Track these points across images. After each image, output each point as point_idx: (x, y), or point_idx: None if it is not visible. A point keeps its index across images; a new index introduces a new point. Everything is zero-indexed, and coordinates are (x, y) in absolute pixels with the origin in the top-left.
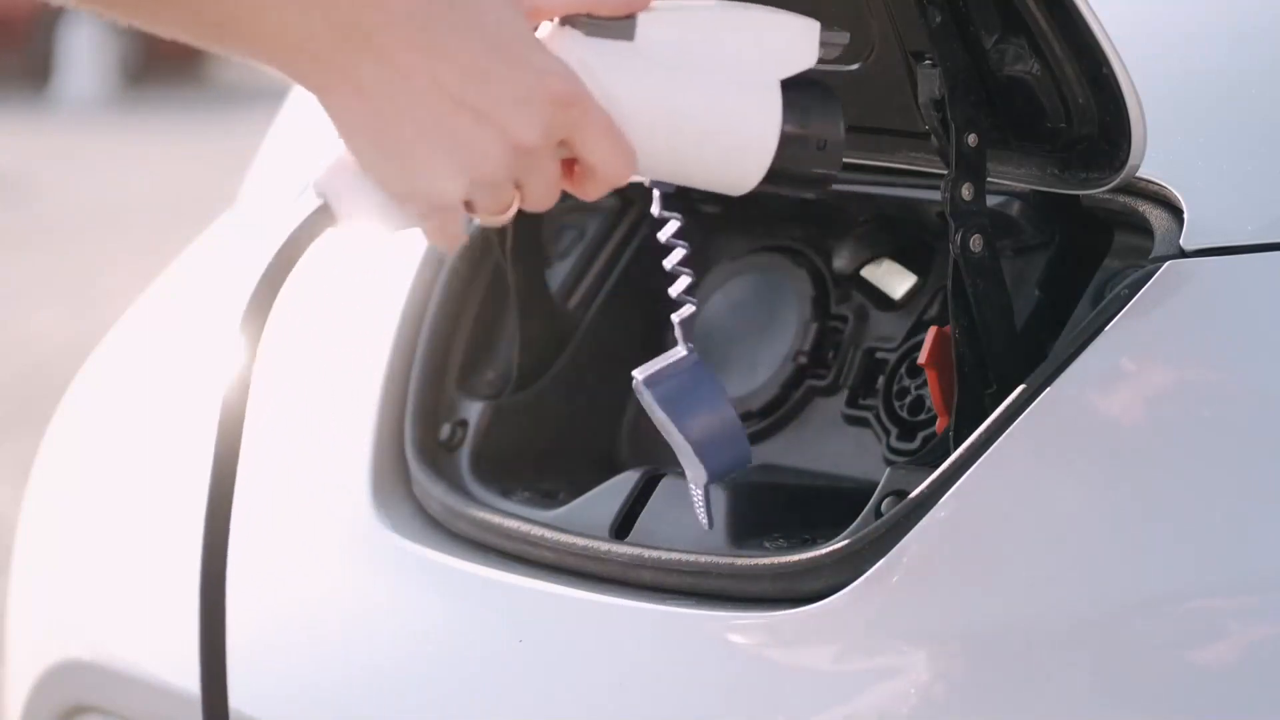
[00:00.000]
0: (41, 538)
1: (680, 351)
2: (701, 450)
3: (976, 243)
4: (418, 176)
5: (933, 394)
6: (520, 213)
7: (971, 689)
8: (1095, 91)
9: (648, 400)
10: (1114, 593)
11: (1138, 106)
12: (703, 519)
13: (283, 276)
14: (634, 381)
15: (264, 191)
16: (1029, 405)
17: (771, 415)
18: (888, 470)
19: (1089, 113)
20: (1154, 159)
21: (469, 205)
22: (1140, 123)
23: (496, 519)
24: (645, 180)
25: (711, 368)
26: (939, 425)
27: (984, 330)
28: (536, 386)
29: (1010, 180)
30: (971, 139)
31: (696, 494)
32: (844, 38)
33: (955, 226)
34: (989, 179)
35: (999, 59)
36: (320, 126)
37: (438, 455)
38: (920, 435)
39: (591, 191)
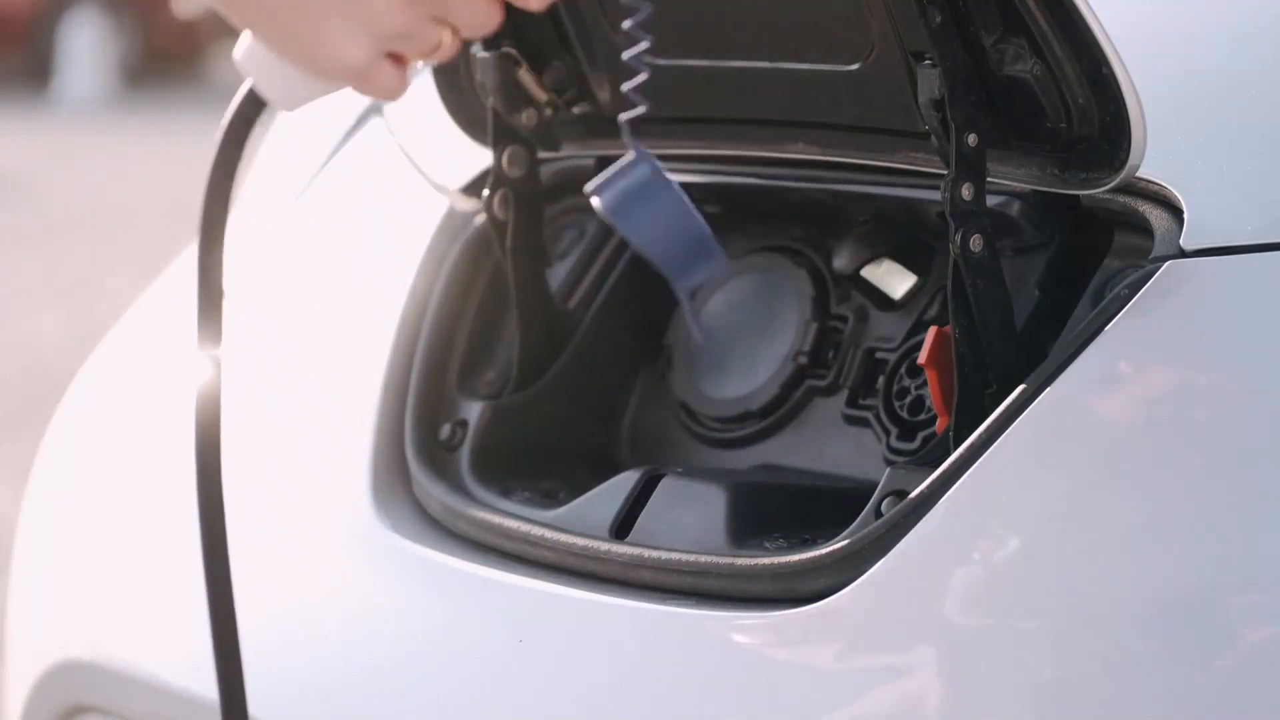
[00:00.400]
0: (41, 538)
1: (630, 156)
2: (660, 258)
3: (976, 243)
4: (319, 49)
5: (933, 394)
6: (519, 212)
7: (971, 689)
8: (1095, 91)
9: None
10: (1113, 592)
11: (1138, 106)
12: (696, 334)
13: (233, 165)
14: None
15: (264, 191)
16: (1029, 405)
17: (771, 415)
18: (888, 470)
19: (1089, 113)
20: (1154, 159)
21: (396, 56)
22: (1140, 123)
23: (496, 519)
24: None
25: (664, 172)
26: (939, 425)
27: (984, 330)
28: (536, 386)
29: (1010, 180)
30: (971, 139)
31: (685, 305)
32: None
33: (955, 226)
34: (989, 179)
35: (999, 59)
36: (319, 127)
37: (438, 455)
38: (920, 435)
39: (533, 2)
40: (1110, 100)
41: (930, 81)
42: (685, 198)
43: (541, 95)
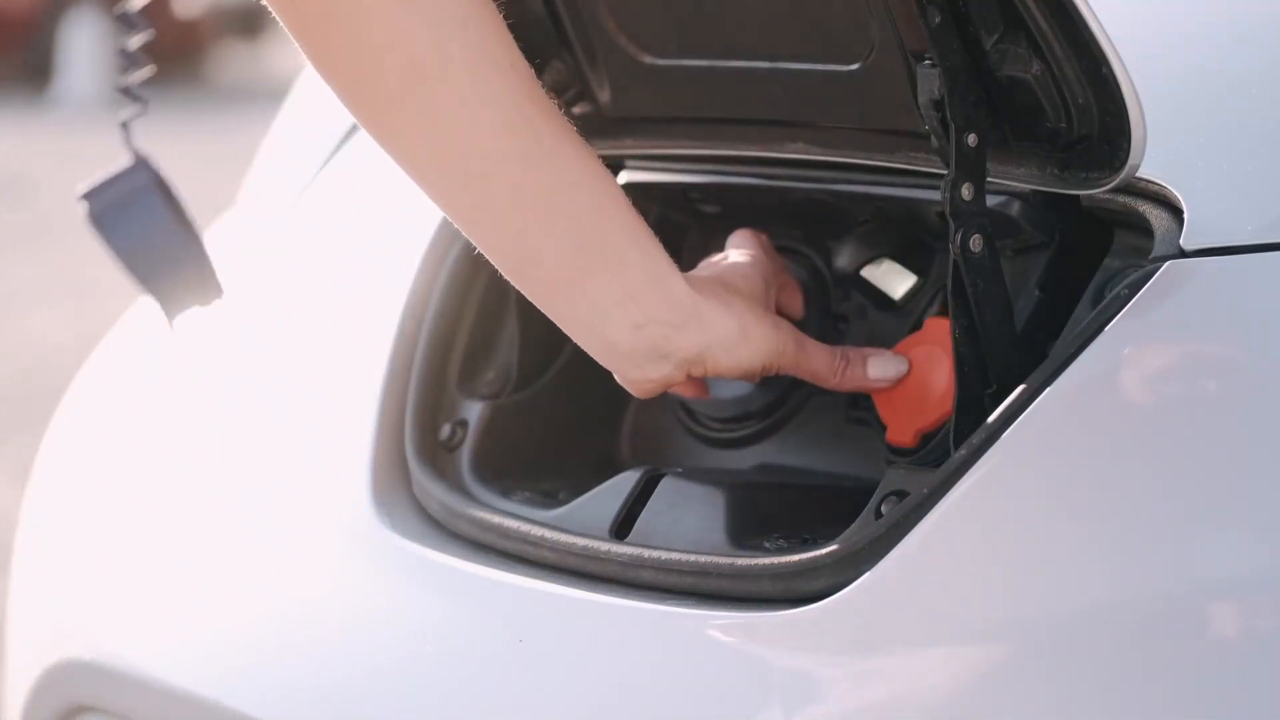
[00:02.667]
0: (42, 537)
1: (128, 162)
2: (141, 276)
3: (976, 243)
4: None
5: (881, 412)
6: None
7: (970, 689)
8: (1095, 91)
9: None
10: (1114, 592)
11: (1138, 106)
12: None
13: None
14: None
15: (264, 191)
16: (1029, 405)
17: (771, 415)
18: (888, 470)
19: (1089, 113)
20: (1154, 159)
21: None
22: (1140, 123)
23: (496, 519)
24: None
25: (166, 183)
26: (890, 435)
27: (984, 330)
28: (536, 386)
29: (1010, 180)
30: (971, 139)
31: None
32: None
33: (955, 226)
34: (989, 179)
35: (999, 59)
36: (319, 127)
37: (438, 455)
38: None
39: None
40: (1110, 100)
41: (930, 81)
42: (180, 215)
43: None
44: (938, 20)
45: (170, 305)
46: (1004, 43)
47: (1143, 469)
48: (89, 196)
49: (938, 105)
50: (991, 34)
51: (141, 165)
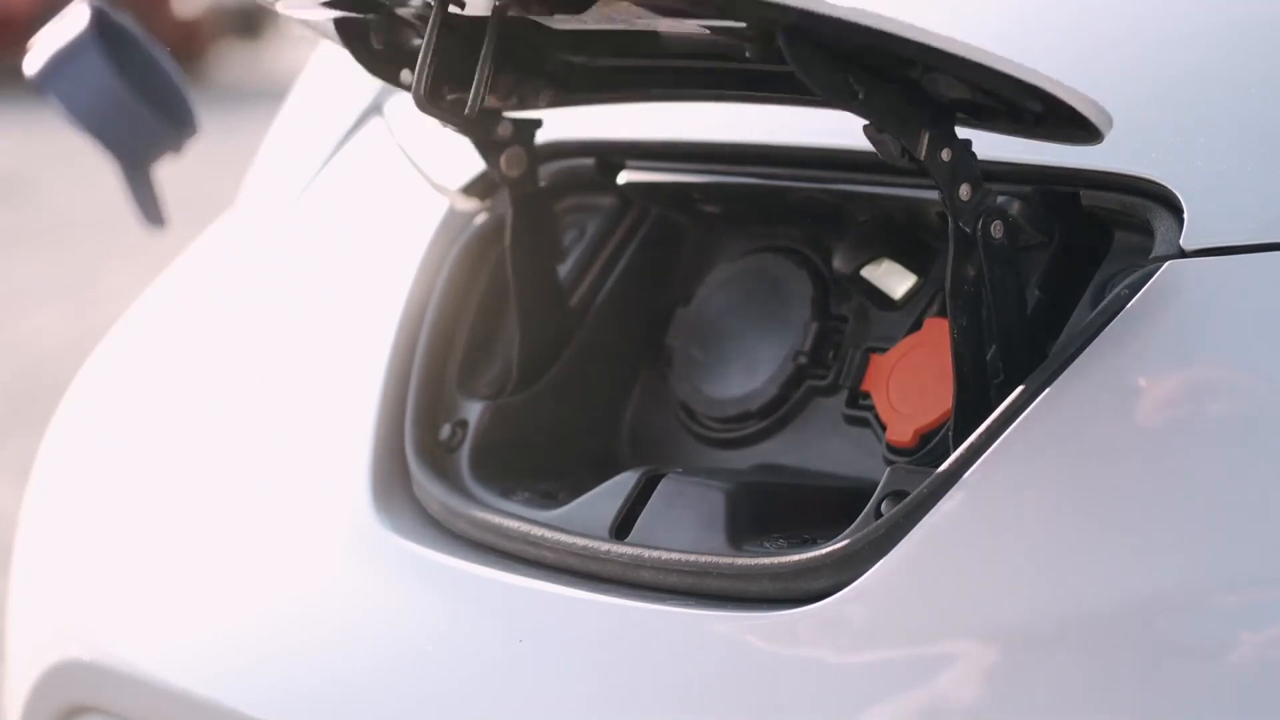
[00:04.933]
0: (42, 537)
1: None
2: (95, 133)
3: (997, 229)
4: None
5: (881, 413)
6: (519, 212)
7: (970, 688)
8: (1018, 90)
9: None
10: (1113, 592)
11: (1059, 85)
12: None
13: None
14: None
15: (264, 191)
16: (1029, 405)
17: (771, 415)
18: (888, 470)
19: (1040, 104)
20: (1154, 159)
21: None
22: (1077, 97)
23: (496, 519)
24: None
25: (113, 31)
26: (890, 435)
27: (996, 319)
28: (536, 386)
29: (999, 133)
30: (945, 154)
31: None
32: None
33: (974, 216)
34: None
35: (934, 87)
36: (320, 127)
37: (438, 455)
38: (920, 435)
39: None
40: (1047, 98)
41: (887, 148)
42: (139, 61)
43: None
44: (861, 95)
45: (128, 159)
46: (930, 74)
47: (1142, 468)
48: (32, 51)
49: (903, 152)
50: (913, 68)
51: (84, 15)
